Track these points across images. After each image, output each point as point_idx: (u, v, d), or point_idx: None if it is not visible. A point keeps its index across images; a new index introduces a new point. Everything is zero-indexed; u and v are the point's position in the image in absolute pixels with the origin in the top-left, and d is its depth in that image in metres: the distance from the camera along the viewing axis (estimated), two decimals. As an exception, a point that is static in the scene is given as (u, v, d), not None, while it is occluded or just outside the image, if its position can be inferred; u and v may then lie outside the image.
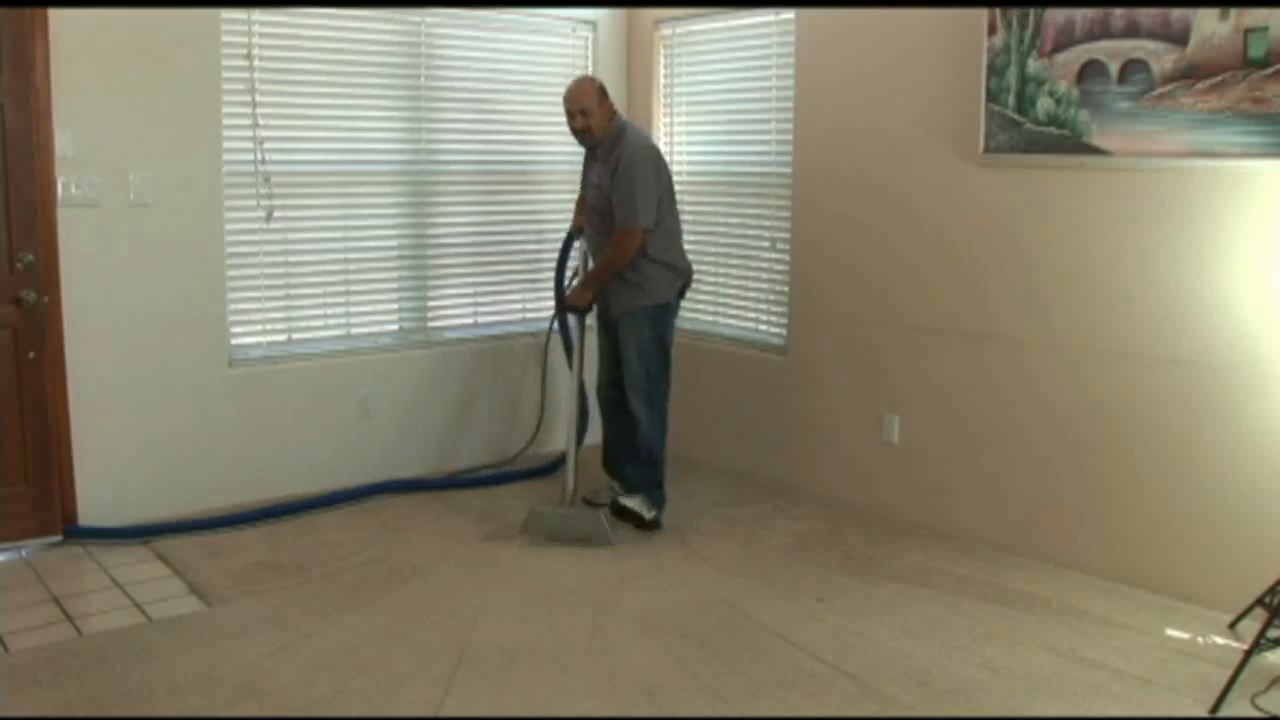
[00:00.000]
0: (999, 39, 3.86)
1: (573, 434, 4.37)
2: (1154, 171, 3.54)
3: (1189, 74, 3.39)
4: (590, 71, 5.30)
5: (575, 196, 5.50)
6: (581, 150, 4.37)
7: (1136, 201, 3.61)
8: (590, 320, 4.49)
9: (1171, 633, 3.34)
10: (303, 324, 4.66)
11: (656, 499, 4.26)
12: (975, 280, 4.09)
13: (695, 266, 4.40)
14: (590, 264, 4.35)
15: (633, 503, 4.23)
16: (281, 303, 4.59)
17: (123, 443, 4.19)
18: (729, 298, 5.14)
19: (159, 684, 2.94)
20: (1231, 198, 3.38)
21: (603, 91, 4.17)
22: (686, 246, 4.35)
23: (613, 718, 2.83)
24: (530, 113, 5.18)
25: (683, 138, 5.25)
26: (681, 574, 3.80)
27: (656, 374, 4.25)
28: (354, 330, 4.81)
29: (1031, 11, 3.76)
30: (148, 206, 4.16)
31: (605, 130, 4.14)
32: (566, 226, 5.43)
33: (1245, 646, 3.01)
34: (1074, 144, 3.70)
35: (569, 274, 4.66)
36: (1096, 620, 3.42)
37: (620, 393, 4.27)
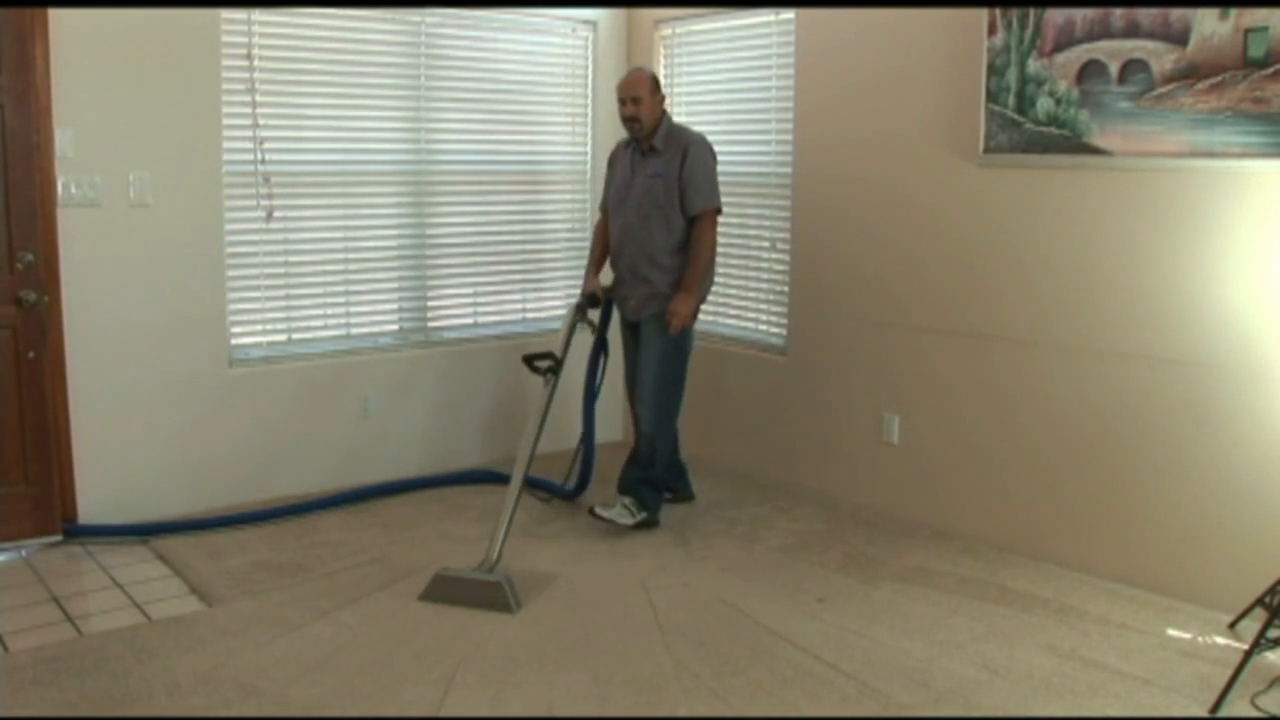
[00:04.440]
0: (999, 39, 3.86)
1: (516, 486, 3.84)
2: (1154, 171, 3.54)
3: (1189, 74, 3.39)
4: (590, 71, 5.30)
5: (576, 196, 5.49)
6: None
7: (1136, 201, 3.61)
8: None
9: (1171, 633, 3.34)
10: (303, 324, 4.66)
11: (647, 500, 4.24)
12: (975, 280, 4.09)
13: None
14: (631, 273, 4.25)
15: (609, 513, 4.17)
16: (281, 303, 4.59)
17: (123, 442, 4.19)
18: (729, 298, 5.14)
19: (159, 684, 2.94)
20: (1231, 198, 3.38)
21: (656, 83, 4.25)
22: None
23: (613, 717, 2.83)
24: (530, 113, 5.18)
25: (683, 138, 5.26)
26: (681, 574, 3.80)
27: (672, 380, 4.26)
28: (354, 330, 4.80)
29: (1031, 11, 3.76)
30: (148, 206, 4.16)
31: (654, 122, 4.20)
32: (567, 227, 5.43)
33: (1245, 646, 3.02)
34: (1074, 144, 3.70)
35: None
36: (1096, 620, 3.42)
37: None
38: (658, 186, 4.18)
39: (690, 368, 4.30)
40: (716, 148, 5.07)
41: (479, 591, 3.51)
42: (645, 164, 4.25)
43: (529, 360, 4.12)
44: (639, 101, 4.17)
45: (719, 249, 5.03)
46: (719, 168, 4.24)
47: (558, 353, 4.13)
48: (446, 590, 3.53)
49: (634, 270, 4.25)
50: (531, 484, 4.64)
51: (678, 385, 4.29)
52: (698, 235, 4.17)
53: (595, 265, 4.51)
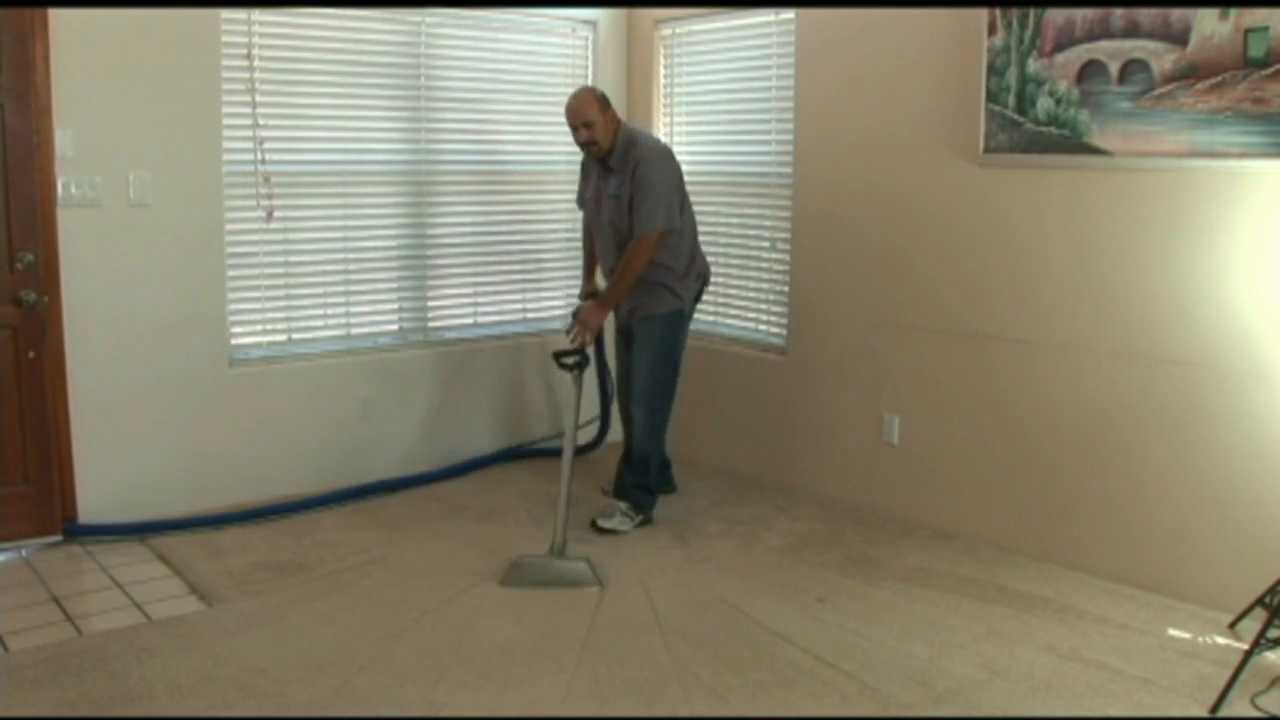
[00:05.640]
0: (999, 39, 3.86)
1: (567, 476, 3.93)
2: (1154, 171, 3.54)
3: (1189, 74, 3.39)
4: (590, 72, 5.30)
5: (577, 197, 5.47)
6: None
7: (1136, 201, 3.61)
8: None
9: (1171, 633, 3.34)
10: (303, 324, 4.66)
11: (643, 504, 4.30)
12: (975, 280, 4.09)
13: (698, 266, 4.44)
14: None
15: (610, 523, 4.22)
16: (281, 303, 4.59)
17: (123, 442, 4.19)
18: (729, 298, 5.14)
19: (159, 684, 2.94)
20: (1231, 198, 3.38)
21: (605, 101, 4.16)
22: (691, 248, 4.40)
23: (613, 717, 2.83)
24: (530, 113, 5.18)
25: (683, 138, 5.25)
26: (681, 574, 3.80)
27: (664, 382, 4.30)
28: (354, 330, 4.80)
29: (1031, 11, 3.76)
30: (148, 206, 4.16)
31: (611, 140, 4.13)
32: (566, 227, 5.44)
33: (1245, 646, 3.02)
34: (1074, 144, 3.70)
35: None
36: (1096, 620, 3.42)
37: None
38: (618, 208, 4.16)
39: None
40: (716, 149, 5.10)
41: (562, 573, 3.71)
42: (606, 184, 4.21)
43: (558, 357, 4.19)
44: (591, 125, 4.09)
45: (719, 248, 5.07)
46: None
47: (586, 351, 4.19)
48: (529, 576, 3.70)
49: None
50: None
51: (669, 386, 4.34)
52: (630, 251, 4.10)
53: (589, 266, 4.57)
